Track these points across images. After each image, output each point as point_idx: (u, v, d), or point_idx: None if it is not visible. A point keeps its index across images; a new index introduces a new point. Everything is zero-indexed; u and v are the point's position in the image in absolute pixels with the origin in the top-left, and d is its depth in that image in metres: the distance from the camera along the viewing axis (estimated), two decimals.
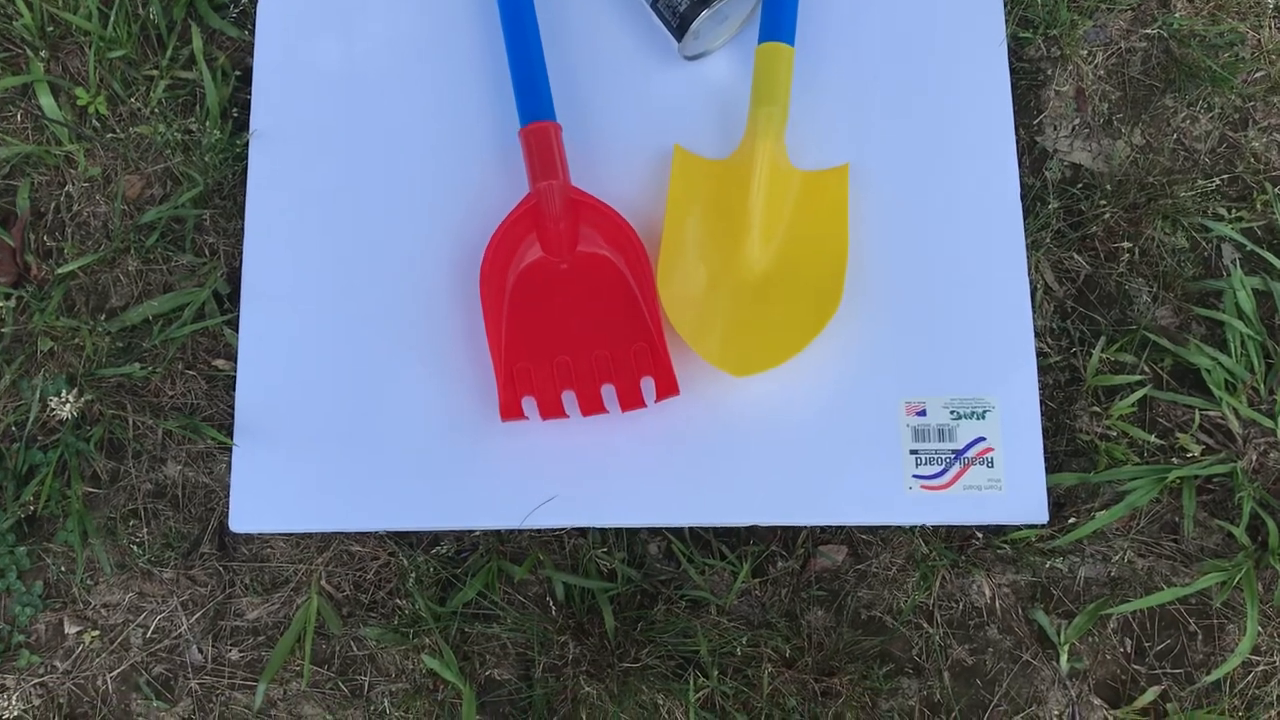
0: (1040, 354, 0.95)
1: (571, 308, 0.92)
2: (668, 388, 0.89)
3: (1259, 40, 1.03)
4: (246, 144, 0.97)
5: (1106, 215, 0.98)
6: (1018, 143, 0.99)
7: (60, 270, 0.96)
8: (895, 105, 0.98)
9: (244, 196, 0.96)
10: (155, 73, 1.00)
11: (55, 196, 0.99)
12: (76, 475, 0.93)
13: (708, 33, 0.96)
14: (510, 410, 0.88)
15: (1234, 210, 0.99)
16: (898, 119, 0.97)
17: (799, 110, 0.96)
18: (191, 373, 0.95)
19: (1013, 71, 1.01)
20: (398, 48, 0.99)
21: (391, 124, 0.97)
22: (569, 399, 0.89)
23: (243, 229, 0.96)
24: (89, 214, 0.99)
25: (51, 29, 1.02)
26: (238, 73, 1.01)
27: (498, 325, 0.90)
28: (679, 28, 0.95)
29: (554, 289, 0.93)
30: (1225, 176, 1.00)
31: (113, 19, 1.00)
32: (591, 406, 0.89)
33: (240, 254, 0.96)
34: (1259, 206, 0.99)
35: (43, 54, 1.00)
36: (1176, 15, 1.03)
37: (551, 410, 0.89)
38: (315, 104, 0.98)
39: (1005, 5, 1.00)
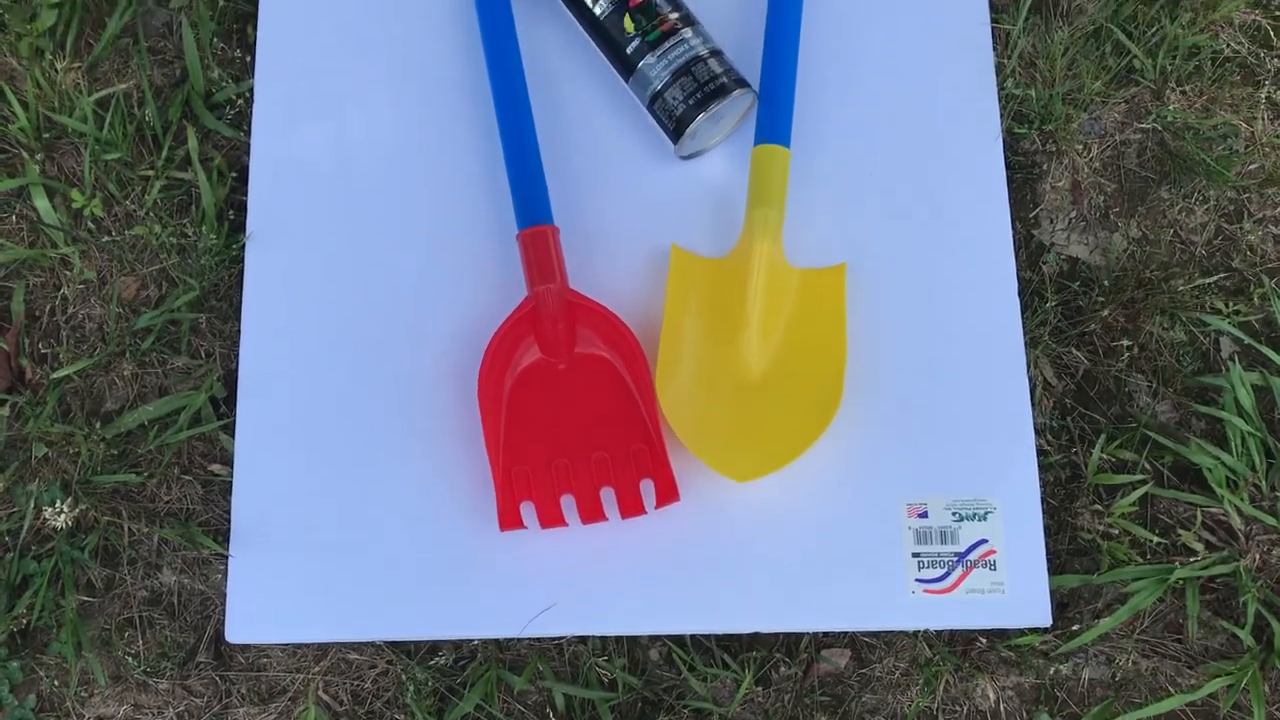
0: (1041, 452, 0.95)
1: (570, 409, 0.92)
2: (668, 494, 0.88)
3: (1252, 133, 1.03)
4: (243, 246, 0.96)
5: (1105, 313, 0.98)
6: (1015, 236, 0.99)
7: (55, 375, 0.96)
8: (891, 203, 0.98)
9: (240, 298, 0.96)
10: (151, 173, 1.00)
11: (50, 299, 0.99)
12: (70, 585, 0.92)
13: (704, 133, 0.96)
14: (509, 520, 0.87)
15: (1231, 303, 0.99)
16: (894, 216, 0.97)
17: (795, 208, 0.96)
18: (188, 477, 0.95)
19: (1008, 165, 1.01)
20: (395, 151, 0.99)
21: (389, 226, 0.97)
22: (568, 506, 0.89)
23: (239, 331, 0.95)
24: (84, 316, 0.98)
25: (48, 134, 1.01)
26: (234, 174, 1.01)
27: (496, 430, 0.89)
28: (675, 130, 0.95)
29: (552, 390, 0.92)
30: (1224, 274, 1.00)
31: (109, 121, 1.00)
32: (591, 514, 0.89)
33: (236, 356, 0.95)
34: (1256, 300, 1.00)
35: (38, 156, 1.00)
36: (1170, 108, 1.04)
37: (551, 519, 0.88)
38: (312, 207, 0.97)
39: (1000, 100, 1.01)
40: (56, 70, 1.02)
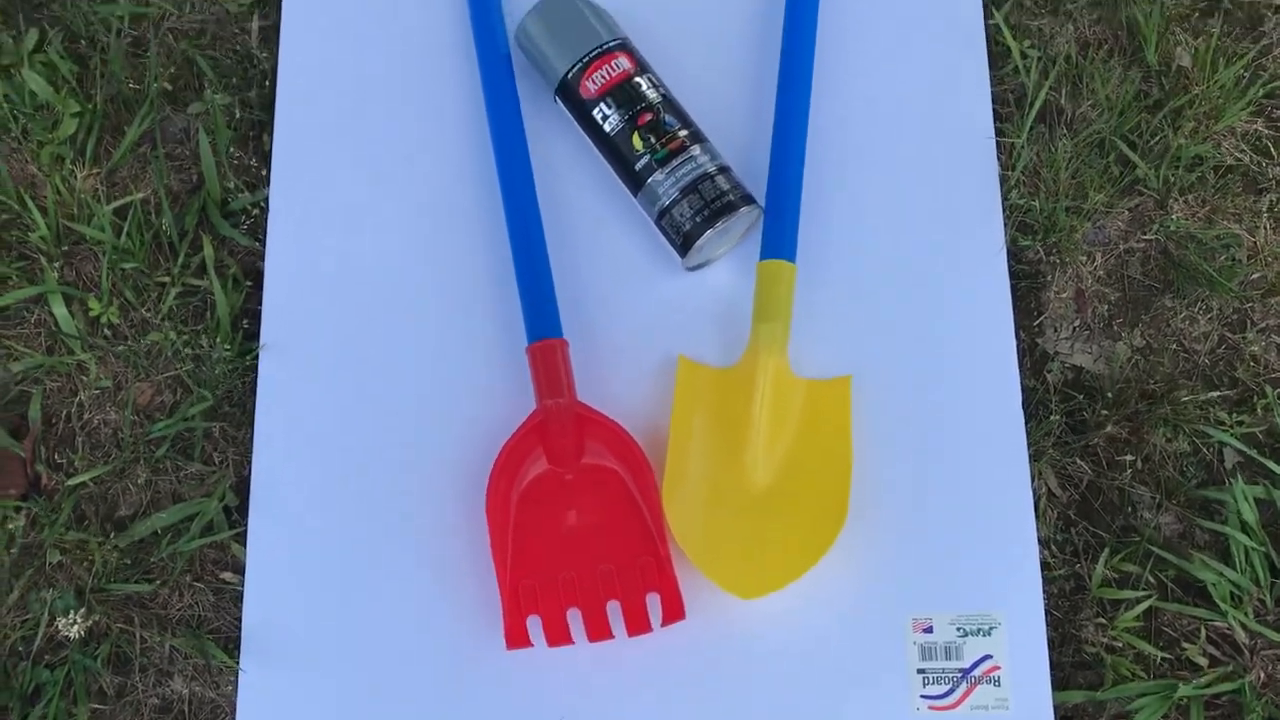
0: (1044, 564, 0.95)
1: (577, 520, 0.93)
2: (674, 612, 0.89)
3: (1255, 243, 1.04)
4: (256, 355, 0.98)
5: (1109, 428, 0.98)
6: (1019, 345, 1.00)
7: (70, 482, 0.97)
8: (896, 314, 0.99)
9: (253, 404, 0.98)
10: (167, 280, 1.02)
11: (67, 405, 1.00)
12: (83, 694, 0.93)
13: (711, 246, 0.98)
14: (516, 639, 0.88)
15: (1235, 414, 1.00)
16: (899, 328, 0.99)
17: (801, 319, 0.98)
18: (199, 585, 0.96)
19: (1012, 274, 1.02)
20: (407, 262, 1.01)
21: (400, 338, 0.99)
22: (575, 623, 0.90)
23: (251, 438, 0.97)
24: (99, 422, 1.00)
25: (66, 242, 1.03)
26: (249, 282, 1.02)
27: (504, 545, 0.90)
28: (683, 245, 0.96)
29: (559, 501, 0.94)
30: (1228, 384, 1.01)
31: (126, 230, 1.02)
32: (598, 631, 0.89)
33: (248, 463, 0.97)
34: (1259, 411, 1.00)
35: (57, 263, 1.02)
36: (1174, 217, 1.05)
37: (558, 637, 0.89)
38: (325, 318, 0.99)
39: (1004, 210, 1.02)
40: (76, 177, 1.04)
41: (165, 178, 1.05)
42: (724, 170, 0.97)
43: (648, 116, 0.97)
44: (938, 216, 1.01)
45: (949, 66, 1.06)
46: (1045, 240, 1.04)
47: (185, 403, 0.99)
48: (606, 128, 0.98)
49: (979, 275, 1.00)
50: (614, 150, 0.98)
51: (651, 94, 0.98)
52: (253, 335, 1.01)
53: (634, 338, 0.99)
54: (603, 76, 0.98)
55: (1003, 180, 1.04)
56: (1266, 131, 1.08)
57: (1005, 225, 1.02)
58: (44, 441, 0.99)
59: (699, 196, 0.95)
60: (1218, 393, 1.00)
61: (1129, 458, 0.98)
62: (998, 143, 1.04)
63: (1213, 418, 1.00)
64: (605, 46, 0.99)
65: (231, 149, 1.06)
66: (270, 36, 1.10)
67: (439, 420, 0.96)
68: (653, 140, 0.97)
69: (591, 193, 1.03)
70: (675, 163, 0.96)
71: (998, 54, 1.09)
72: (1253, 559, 0.95)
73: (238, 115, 1.07)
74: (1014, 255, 1.04)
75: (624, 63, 0.99)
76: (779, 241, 0.96)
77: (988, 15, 1.09)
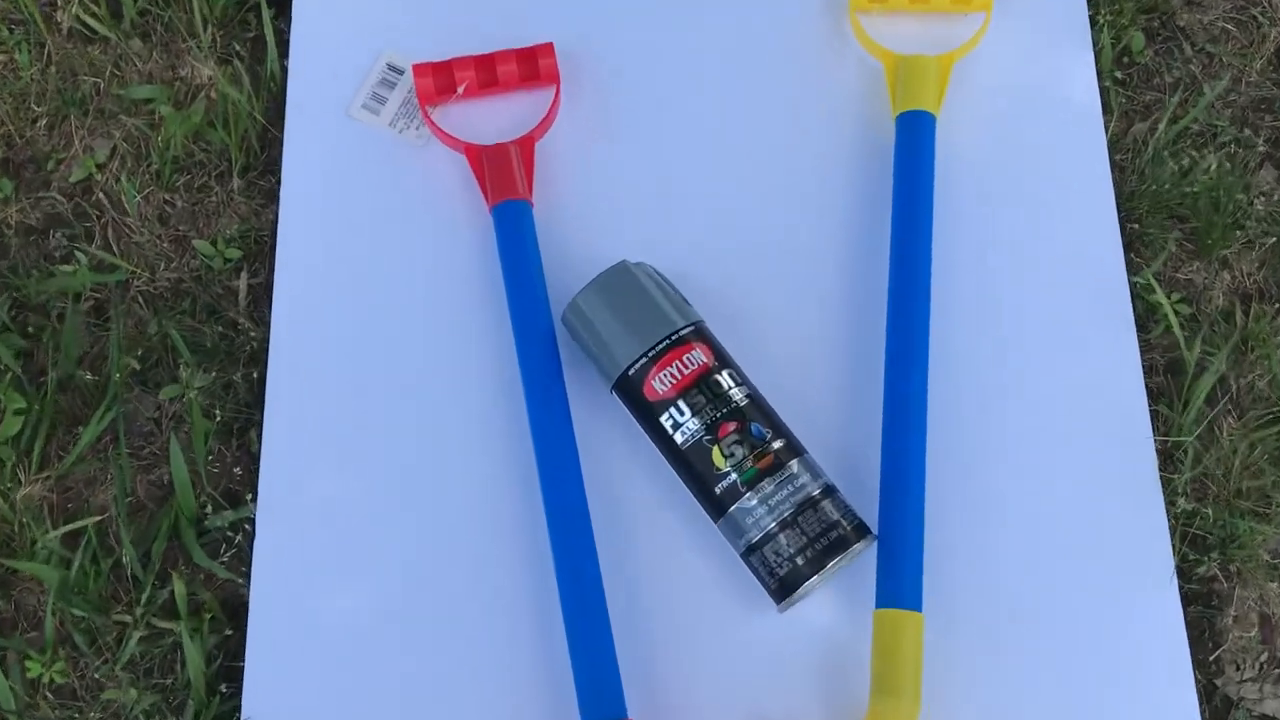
0: None
1: None
2: None
3: None
4: None
5: None
6: (1196, 687, 0.80)
7: None
8: (1048, 671, 0.80)
9: None
10: (128, 620, 0.82)
11: None
12: None
13: (813, 586, 0.78)
14: None
15: None
16: (1053, 688, 0.79)
17: (930, 682, 0.76)
18: None
19: (1182, 595, 0.83)
20: (426, 621, 0.81)
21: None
22: None
23: None
24: None
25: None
26: (230, 628, 0.82)
27: None
28: (780, 590, 0.77)
29: None
30: None
31: (77, 562, 0.82)
32: None
33: None
34: None
35: None
36: None
37: None
38: (320, 684, 0.79)
39: (1170, 519, 0.83)
40: (19, 488, 0.85)
41: (128, 486, 0.85)
42: (829, 492, 0.78)
43: (731, 426, 0.77)
44: (1091, 542, 0.82)
45: (1094, 346, 0.87)
46: (1221, 555, 0.84)
47: None
48: (679, 438, 0.78)
49: (1145, 612, 0.81)
50: (688, 467, 0.78)
51: (736, 394, 0.79)
52: (233, 695, 0.80)
53: (713, 701, 0.78)
54: (674, 375, 0.78)
55: (1165, 483, 0.84)
56: None
57: (1170, 534, 0.83)
58: None
59: (799, 531, 0.75)
60: None
61: None
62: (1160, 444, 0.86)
63: None
64: (678, 335, 0.79)
65: (211, 446, 0.86)
66: (261, 299, 0.91)
67: None
68: (739, 455, 0.77)
69: (657, 511, 0.82)
70: (768, 484, 0.76)
71: (1143, 314, 0.91)
72: None
73: (219, 408, 0.87)
74: (1183, 573, 0.84)
75: (700, 355, 0.79)
76: (900, 585, 0.76)
77: (1132, 270, 0.91)
